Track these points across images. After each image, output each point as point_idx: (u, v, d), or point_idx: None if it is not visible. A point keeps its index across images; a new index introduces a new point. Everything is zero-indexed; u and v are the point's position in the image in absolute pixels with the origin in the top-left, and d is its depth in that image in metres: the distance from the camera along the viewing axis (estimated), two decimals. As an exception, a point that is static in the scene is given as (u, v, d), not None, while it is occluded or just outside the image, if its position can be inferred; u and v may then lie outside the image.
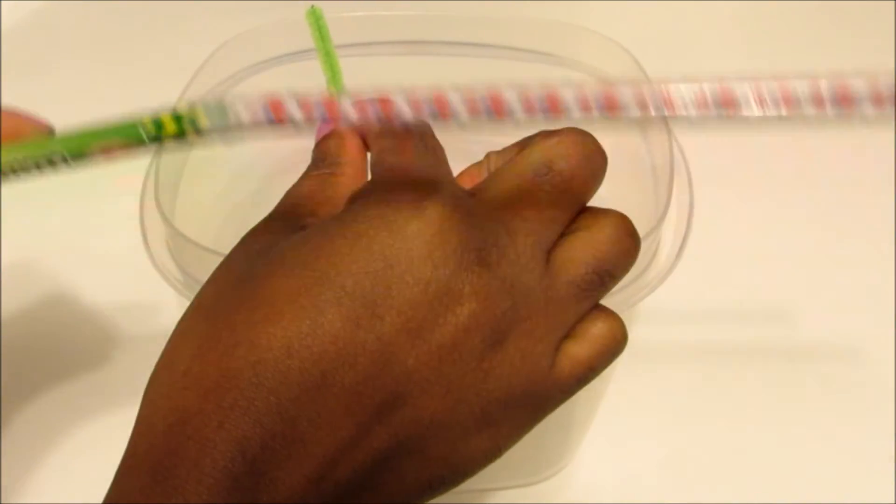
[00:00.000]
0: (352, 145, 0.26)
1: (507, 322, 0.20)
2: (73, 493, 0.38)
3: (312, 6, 0.28)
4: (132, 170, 0.51)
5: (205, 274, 0.30)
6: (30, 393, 0.41)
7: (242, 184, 0.44)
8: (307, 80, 0.40)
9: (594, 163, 0.21)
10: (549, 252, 0.21)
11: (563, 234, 0.21)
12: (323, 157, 0.25)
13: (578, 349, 0.21)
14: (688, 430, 0.41)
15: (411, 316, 0.19)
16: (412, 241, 0.19)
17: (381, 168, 0.23)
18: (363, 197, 0.21)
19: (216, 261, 0.29)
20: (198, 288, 0.30)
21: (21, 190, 0.51)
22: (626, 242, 0.21)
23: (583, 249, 0.21)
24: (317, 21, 0.28)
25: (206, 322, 0.21)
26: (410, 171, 0.22)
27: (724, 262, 0.47)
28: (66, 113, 0.50)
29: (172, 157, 0.34)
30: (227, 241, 0.30)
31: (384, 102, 0.22)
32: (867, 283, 0.47)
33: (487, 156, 0.24)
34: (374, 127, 0.25)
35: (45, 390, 0.41)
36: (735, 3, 0.66)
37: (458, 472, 0.21)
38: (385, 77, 0.28)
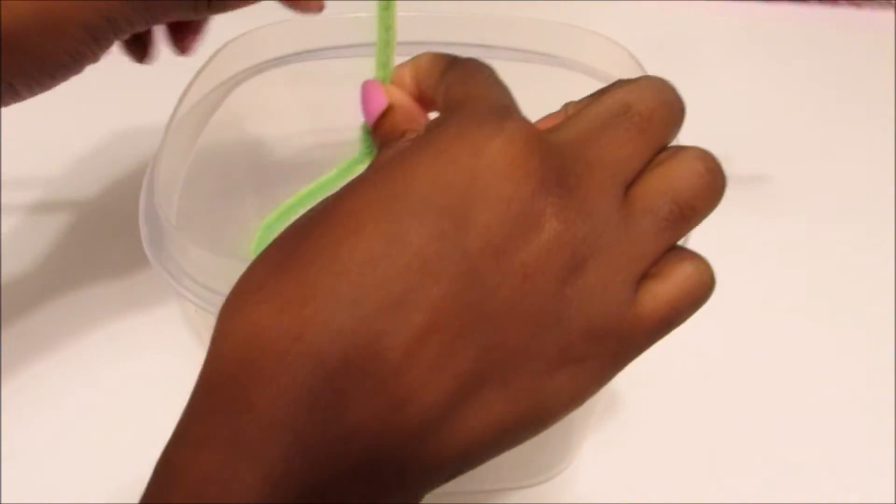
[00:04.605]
0: (416, 110, 0.25)
1: (586, 247, 0.19)
2: (74, 492, 0.38)
3: None
4: (132, 169, 0.51)
5: (205, 274, 0.30)
6: (30, 393, 0.41)
7: (242, 184, 0.44)
8: (309, 81, 0.40)
9: (672, 107, 0.22)
10: (628, 188, 0.21)
11: (642, 173, 0.21)
12: (394, 131, 0.25)
13: (660, 287, 0.21)
14: (688, 431, 0.41)
15: (496, 232, 0.19)
16: (494, 158, 0.19)
17: (452, 98, 0.23)
18: (440, 122, 0.21)
19: (216, 261, 0.29)
20: (198, 289, 0.30)
21: (21, 189, 0.51)
22: (705, 176, 0.21)
23: (660, 181, 0.21)
24: (386, 6, 0.27)
25: (283, 245, 0.20)
26: (483, 97, 0.22)
27: (725, 263, 0.47)
28: (67, 113, 0.50)
29: (173, 157, 0.34)
30: (228, 242, 0.30)
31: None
32: (868, 284, 0.47)
33: (565, 105, 0.24)
34: (428, 79, 0.25)
35: (45, 390, 0.41)
36: (736, 4, 0.66)
37: (541, 411, 0.20)
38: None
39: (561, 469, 0.39)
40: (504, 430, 0.20)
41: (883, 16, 0.64)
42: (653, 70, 0.36)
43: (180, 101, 0.34)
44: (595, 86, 0.39)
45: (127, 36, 0.27)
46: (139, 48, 0.32)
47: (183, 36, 0.32)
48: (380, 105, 0.25)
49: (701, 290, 0.21)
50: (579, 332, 0.20)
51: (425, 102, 0.26)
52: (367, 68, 0.34)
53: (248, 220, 0.45)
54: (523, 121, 0.20)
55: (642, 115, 0.21)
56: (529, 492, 0.39)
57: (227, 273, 0.29)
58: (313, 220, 0.20)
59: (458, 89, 0.23)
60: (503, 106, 0.21)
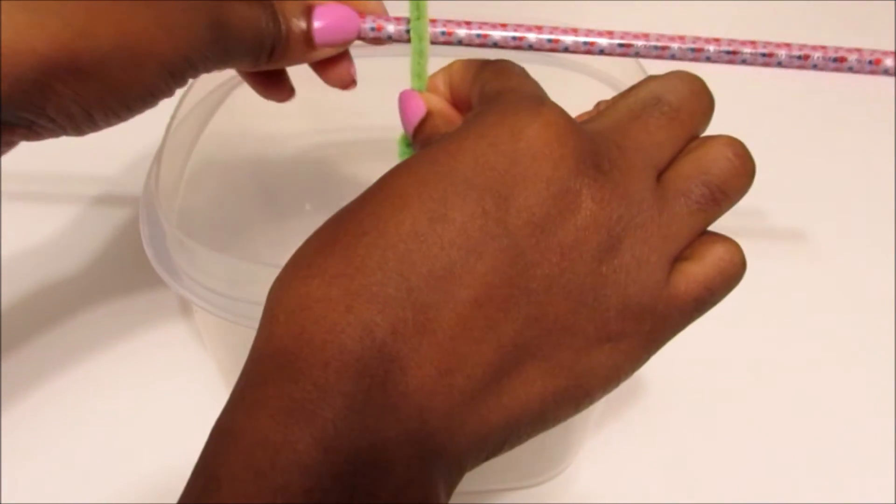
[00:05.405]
0: (453, 114, 0.26)
1: (622, 227, 0.20)
2: (74, 492, 0.38)
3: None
4: (133, 169, 0.51)
5: (205, 274, 0.30)
6: (30, 394, 0.41)
7: (243, 184, 0.44)
8: (309, 81, 0.40)
9: (702, 99, 0.23)
10: (661, 173, 0.22)
11: (673, 160, 0.22)
12: (434, 135, 0.25)
13: (694, 268, 0.21)
14: (688, 431, 0.41)
15: (535, 211, 0.20)
16: (532, 141, 0.20)
17: (488, 93, 0.23)
18: (479, 112, 0.22)
19: (216, 261, 0.29)
20: (198, 288, 0.30)
21: (21, 189, 0.51)
22: (735, 161, 0.22)
23: (691, 166, 0.22)
24: (418, 16, 0.27)
25: (332, 225, 0.21)
26: (518, 89, 0.23)
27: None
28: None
29: (173, 157, 0.34)
30: (228, 242, 0.30)
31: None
32: (868, 285, 0.47)
33: (597, 104, 0.25)
34: (462, 86, 0.26)
35: (45, 390, 0.41)
36: (736, 4, 0.66)
37: (581, 386, 0.21)
38: (386, 77, 0.29)
39: (561, 469, 0.39)
40: (544, 404, 0.20)
41: (882, 11, 0.64)
42: (653, 72, 0.36)
43: (180, 101, 0.34)
44: (595, 86, 0.39)
45: (198, 76, 0.27)
46: (280, 88, 0.31)
47: (270, 84, 0.32)
48: (419, 112, 0.26)
49: (733, 270, 0.22)
50: (615, 310, 0.20)
51: (460, 107, 0.26)
52: (366, 69, 0.34)
53: (248, 219, 0.45)
54: (558, 108, 0.21)
55: (672, 105, 0.22)
56: (529, 492, 0.39)
57: (227, 272, 0.29)
58: (360, 201, 0.21)
59: (492, 85, 0.23)
60: (537, 96, 0.22)
